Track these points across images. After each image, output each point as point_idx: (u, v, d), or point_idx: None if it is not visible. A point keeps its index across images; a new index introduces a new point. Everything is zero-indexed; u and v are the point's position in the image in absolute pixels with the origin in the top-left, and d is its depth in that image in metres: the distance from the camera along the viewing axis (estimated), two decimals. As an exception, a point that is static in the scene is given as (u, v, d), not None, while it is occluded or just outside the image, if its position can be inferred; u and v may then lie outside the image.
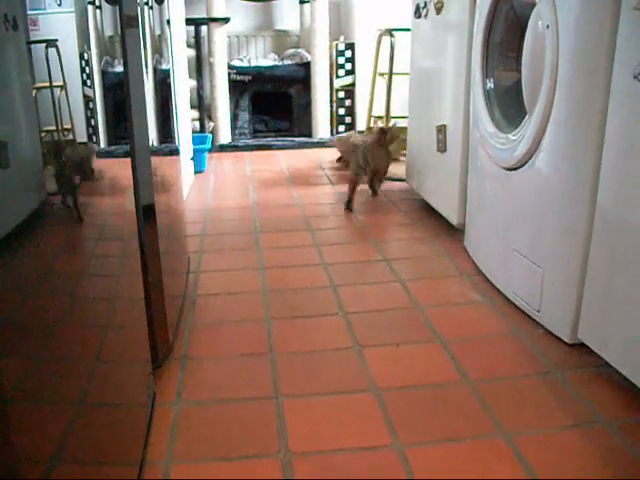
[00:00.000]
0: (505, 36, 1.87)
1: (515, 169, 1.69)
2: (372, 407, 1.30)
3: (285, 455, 1.16)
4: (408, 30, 2.83)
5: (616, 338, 1.32)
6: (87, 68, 1.02)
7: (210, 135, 3.86)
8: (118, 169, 1.20)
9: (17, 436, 0.61)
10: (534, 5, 1.55)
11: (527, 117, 1.60)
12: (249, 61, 4.33)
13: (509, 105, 1.84)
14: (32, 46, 0.77)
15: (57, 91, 0.85)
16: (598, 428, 1.21)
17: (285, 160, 3.89)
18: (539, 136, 1.54)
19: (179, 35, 3.04)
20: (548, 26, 1.47)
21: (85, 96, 1.01)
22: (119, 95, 1.19)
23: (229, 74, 4.12)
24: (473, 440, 1.19)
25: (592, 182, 1.38)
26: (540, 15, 1.51)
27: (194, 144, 3.38)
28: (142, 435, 1.15)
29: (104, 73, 1.11)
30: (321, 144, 4.22)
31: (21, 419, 0.63)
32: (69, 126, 0.92)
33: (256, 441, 1.20)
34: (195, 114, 4.04)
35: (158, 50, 1.83)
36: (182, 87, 3.07)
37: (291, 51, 4.44)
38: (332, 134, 4.35)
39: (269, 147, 4.21)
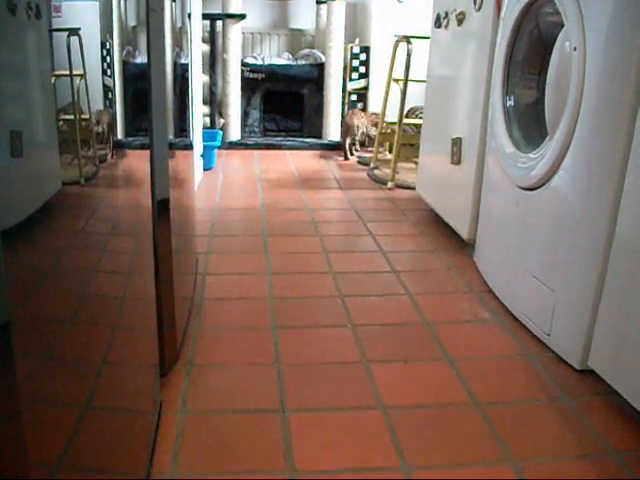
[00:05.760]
0: (528, 54, 1.84)
1: (532, 189, 1.67)
2: (379, 426, 1.27)
3: (291, 473, 1.13)
4: (426, 38, 2.81)
5: (628, 368, 1.30)
6: (108, 58, 1.00)
7: (220, 132, 3.84)
8: (133, 162, 1.17)
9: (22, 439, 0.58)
10: (560, 25, 1.52)
11: (548, 138, 1.58)
12: (263, 59, 4.31)
13: (528, 124, 1.81)
14: (53, 33, 0.75)
15: (77, 80, 0.83)
16: (608, 460, 1.19)
17: (294, 161, 3.86)
18: (559, 158, 1.51)
19: (196, 30, 3.01)
20: (575, 48, 1.44)
21: (105, 86, 0.98)
22: (139, 86, 1.16)
23: (242, 71, 4.09)
24: (482, 466, 1.16)
25: (612, 207, 1.35)
26: (568, 36, 1.48)
27: (204, 140, 3.35)
28: (149, 444, 1.12)
29: (125, 63, 1.08)
30: (331, 146, 4.20)
31: (25, 422, 0.60)
32: (87, 116, 0.89)
33: (261, 456, 1.17)
34: (206, 110, 4.01)
35: (178, 43, 1.80)
36: (197, 82, 3.04)
37: (305, 51, 4.42)
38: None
39: (279, 147, 4.18)
